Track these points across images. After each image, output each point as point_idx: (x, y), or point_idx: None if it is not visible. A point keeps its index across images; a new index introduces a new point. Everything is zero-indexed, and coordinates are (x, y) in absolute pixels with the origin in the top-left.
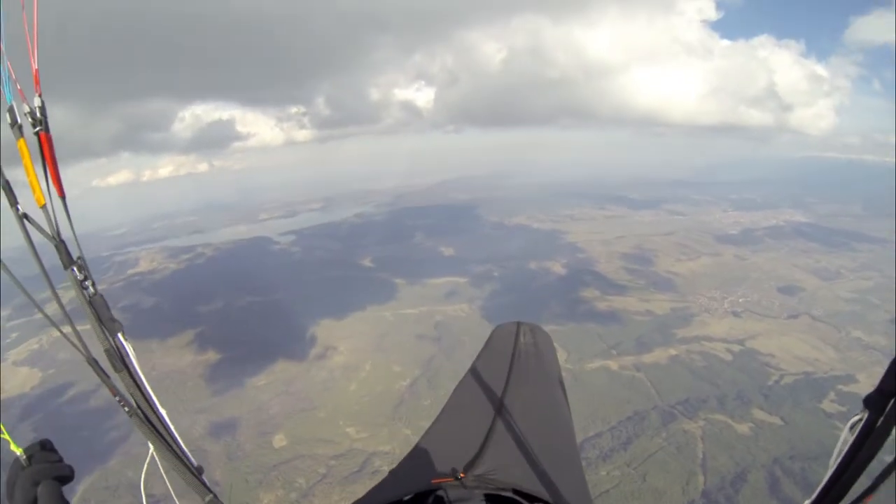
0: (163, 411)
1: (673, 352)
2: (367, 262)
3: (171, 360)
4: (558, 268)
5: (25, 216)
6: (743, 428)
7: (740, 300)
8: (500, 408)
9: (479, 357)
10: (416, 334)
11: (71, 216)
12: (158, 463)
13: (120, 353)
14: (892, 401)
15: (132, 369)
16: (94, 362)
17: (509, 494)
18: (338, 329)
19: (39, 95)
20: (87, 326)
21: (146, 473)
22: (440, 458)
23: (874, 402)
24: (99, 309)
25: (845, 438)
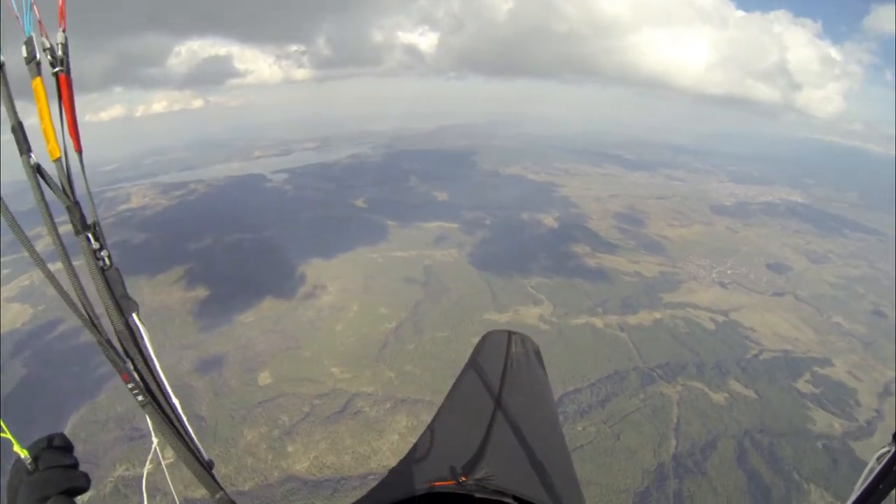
0: (176, 401)
1: (658, 315)
2: (359, 203)
3: (160, 297)
4: (550, 220)
5: (38, 169)
6: (718, 397)
7: (728, 272)
8: (495, 413)
9: (470, 362)
10: (404, 277)
11: (87, 174)
12: (160, 457)
13: (133, 335)
14: None
15: (147, 354)
16: (107, 344)
17: (510, 500)
18: (327, 269)
19: (63, 31)
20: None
21: (147, 472)
22: (438, 461)
23: None
24: (113, 284)
25: (871, 467)
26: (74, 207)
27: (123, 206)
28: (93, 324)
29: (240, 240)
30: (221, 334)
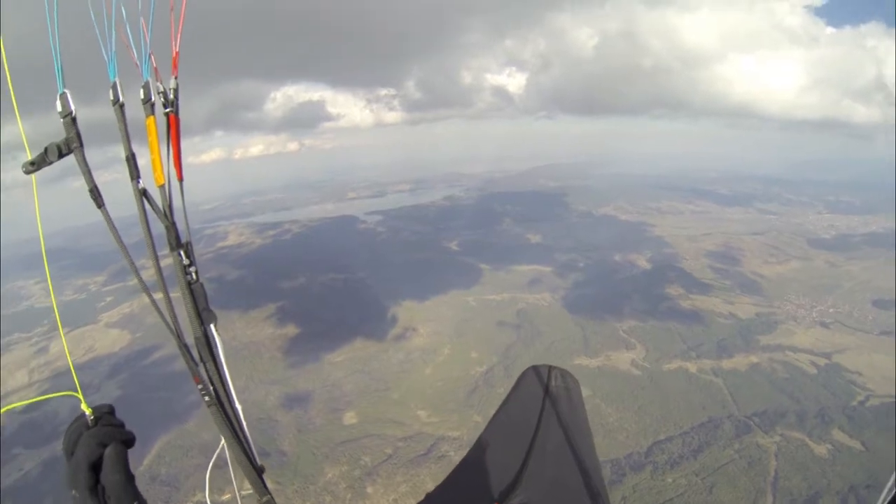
0: (239, 407)
1: (754, 359)
2: (453, 246)
3: (251, 332)
4: (643, 262)
5: (145, 192)
6: (821, 449)
7: (830, 310)
8: (532, 444)
9: (510, 396)
10: (496, 321)
11: (185, 202)
12: (228, 456)
13: (209, 343)
14: None
15: (218, 361)
16: (184, 349)
17: None
18: (419, 311)
19: (175, 78)
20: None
21: (213, 465)
22: (474, 488)
23: None
24: (197, 297)
25: (891, 486)
26: (172, 227)
27: (221, 244)
28: (174, 328)
29: (332, 280)
30: (309, 372)
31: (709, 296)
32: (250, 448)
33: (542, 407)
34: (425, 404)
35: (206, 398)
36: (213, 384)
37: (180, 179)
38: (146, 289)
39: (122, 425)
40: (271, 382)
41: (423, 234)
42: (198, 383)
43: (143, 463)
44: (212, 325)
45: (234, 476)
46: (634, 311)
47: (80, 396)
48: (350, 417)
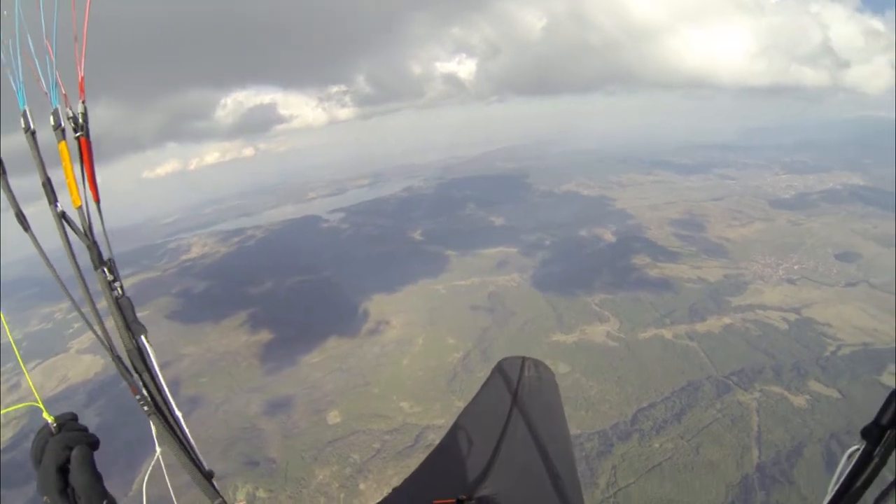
0: (179, 414)
1: (727, 320)
2: (417, 236)
3: (225, 342)
4: (608, 235)
5: (63, 215)
6: (799, 400)
7: (795, 267)
8: (503, 436)
9: (484, 387)
10: (468, 306)
11: (104, 219)
12: (162, 467)
13: (142, 354)
14: (888, 433)
15: (153, 371)
16: (118, 360)
17: None
18: (390, 303)
19: (83, 102)
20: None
21: (149, 476)
22: (443, 480)
23: (871, 433)
24: (125, 311)
25: (843, 467)
26: (93, 246)
27: (185, 256)
28: (106, 344)
29: (300, 281)
30: (288, 376)
31: (676, 263)
32: (195, 453)
33: (514, 397)
34: (407, 395)
35: (146, 408)
36: (150, 394)
37: (97, 201)
38: (78, 307)
39: (85, 429)
40: (251, 391)
41: (386, 228)
42: (135, 394)
43: (132, 488)
44: (142, 337)
45: (170, 484)
46: (604, 284)
47: (41, 406)
48: (334, 416)
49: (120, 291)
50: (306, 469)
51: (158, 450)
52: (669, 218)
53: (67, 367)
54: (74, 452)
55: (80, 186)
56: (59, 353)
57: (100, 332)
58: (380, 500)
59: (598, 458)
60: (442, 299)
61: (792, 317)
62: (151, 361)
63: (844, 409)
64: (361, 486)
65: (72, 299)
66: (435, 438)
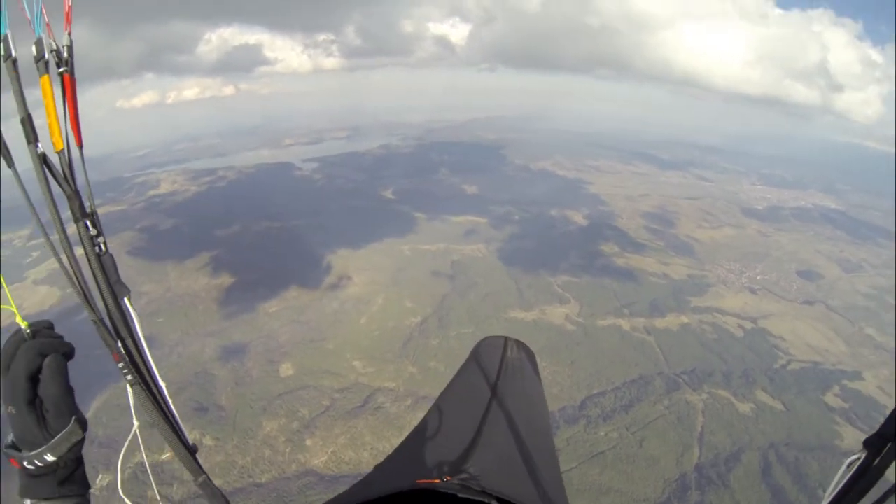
0: (163, 385)
1: (685, 319)
2: (388, 194)
3: (185, 283)
4: (579, 218)
5: (44, 158)
6: (744, 407)
7: (758, 277)
8: (485, 416)
9: (465, 365)
10: (431, 271)
11: (86, 166)
12: (139, 441)
13: (125, 318)
14: (889, 445)
15: (136, 337)
16: (100, 324)
17: (493, 501)
18: (354, 259)
19: (69, 34)
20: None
21: (125, 450)
22: (425, 459)
23: (872, 444)
24: (108, 269)
25: (842, 475)
26: (74, 196)
27: (153, 192)
28: (88, 303)
29: (267, 228)
30: (245, 323)
31: (643, 255)
32: (180, 427)
33: (496, 378)
34: (361, 355)
35: (129, 377)
36: (133, 361)
37: (79, 145)
38: (58, 257)
39: (61, 338)
40: (207, 335)
41: (358, 182)
42: (118, 361)
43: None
44: (125, 299)
45: (148, 463)
46: (570, 266)
47: (15, 310)
48: (286, 369)
49: (103, 248)
50: (255, 420)
51: (136, 423)
52: (642, 210)
53: (24, 297)
54: (48, 361)
55: (62, 128)
56: (16, 283)
57: (80, 288)
58: (363, 478)
59: None
60: (406, 261)
61: (748, 325)
62: (135, 326)
63: (787, 421)
64: (308, 443)
65: (53, 249)
66: (384, 402)
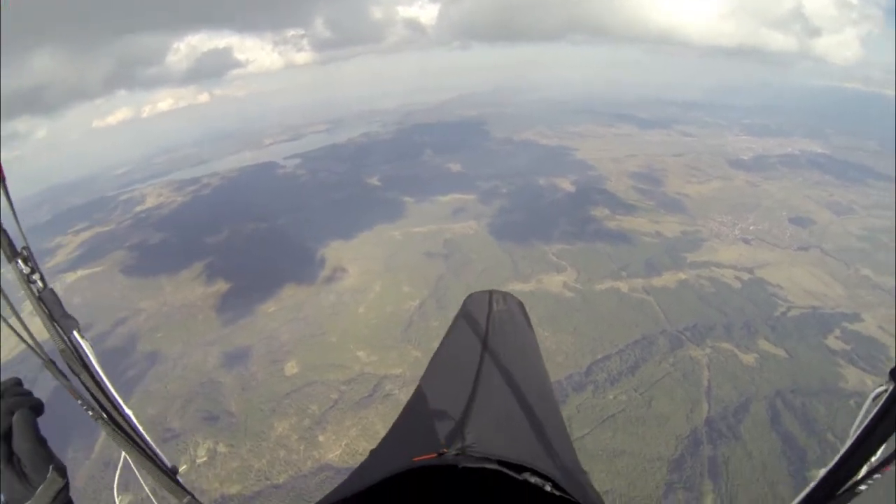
0: (129, 412)
1: (682, 276)
2: (374, 182)
3: (181, 295)
4: (567, 185)
5: None
6: (748, 358)
7: (751, 227)
8: (478, 378)
9: (452, 328)
10: (424, 253)
11: (13, 201)
12: (133, 466)
13: (78, 352)
14: None
15: (92, 370)
16: (51, 364)
17: (494, 466)
18: (346, 250)
19: None
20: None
21: (119, 478)
22: (421, 435)
23: None
24: (51, 306)
25: (868, 408)
26: (2, 233)
27: (139, 208)
28: (33, 348)
29: (256, 229)
30: (244, 327)
31: (634, 216)
32: (155, 452)
33: (485, 335)
34: (363, 344)
35: (90, 413)
36: (94, 396)
37: (1, 178)
38: None
39: (29, 394)
40: (208, 343)
41: (342, 173)
42: (76, 398)
43: (94, 450)
44: (75, 332)
45: (146, 486)
46: (562, 234)
47: None
48: (291, 367)
49: (41, 284)
50: (265, 422)
51: (124, 453)
52: (629, 170)
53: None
54: (16, 417)
55: None
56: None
57: (25, 335)
58: (358, 465)
59: None
60: (398, 246)
61: (745, 276)
62: (89, 358)
63: (791, 368)
64: (321, 438)
65: None
66: (392, 389)
